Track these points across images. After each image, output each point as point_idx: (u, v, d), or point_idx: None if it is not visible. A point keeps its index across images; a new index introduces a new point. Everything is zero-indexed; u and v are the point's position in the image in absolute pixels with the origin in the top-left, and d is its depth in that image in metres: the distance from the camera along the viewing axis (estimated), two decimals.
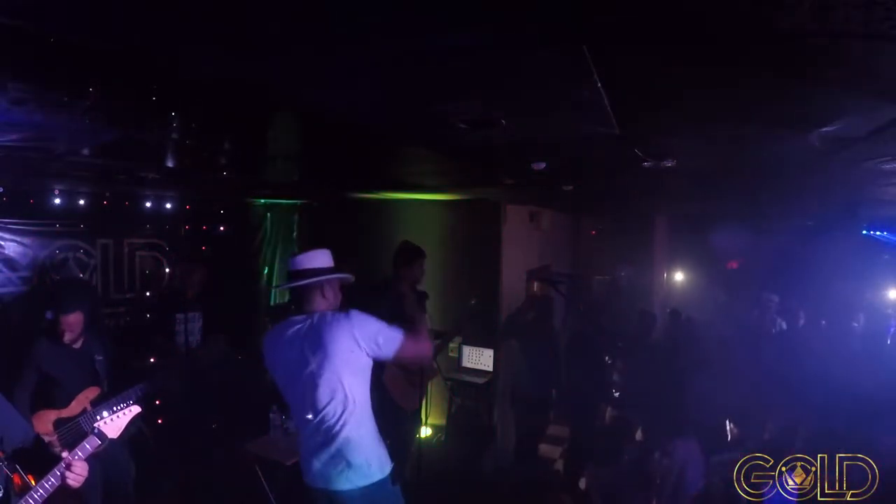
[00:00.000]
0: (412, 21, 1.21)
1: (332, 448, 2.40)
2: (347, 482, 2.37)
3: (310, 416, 2.42)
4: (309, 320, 2.49)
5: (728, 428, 4.58)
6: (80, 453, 2.14)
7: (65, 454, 2.13)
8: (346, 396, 2.39)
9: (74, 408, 3.44)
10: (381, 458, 2.46)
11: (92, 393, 3.49)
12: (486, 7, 1.14)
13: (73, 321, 3.44)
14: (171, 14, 1.19)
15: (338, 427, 2.39)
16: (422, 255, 4.43)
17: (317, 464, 2.43)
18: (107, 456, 2.91)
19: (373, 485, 2.39)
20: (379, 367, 4.33)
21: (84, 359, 3.54)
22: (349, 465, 2.38)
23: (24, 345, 3.54)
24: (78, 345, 3.54)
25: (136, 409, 2.40)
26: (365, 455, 2.40)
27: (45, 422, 3.34)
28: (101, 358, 3.62)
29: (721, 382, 4.92)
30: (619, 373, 5.59)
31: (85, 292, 4.44)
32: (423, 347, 2.65)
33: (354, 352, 2.40)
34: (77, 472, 2.08)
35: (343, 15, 1.19)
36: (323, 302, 2.55)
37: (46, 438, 3.23)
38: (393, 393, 4.15)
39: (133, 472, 3.73)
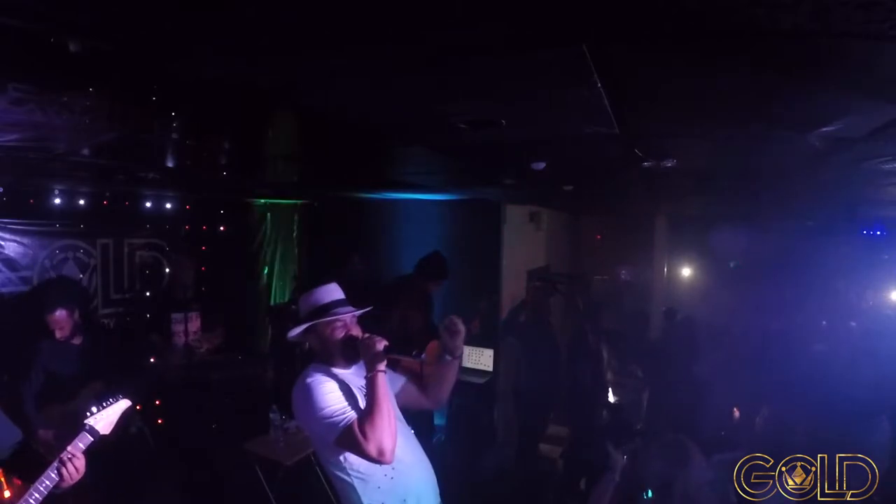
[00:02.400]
0: (412, 21, 1.22)
1: None
2: None
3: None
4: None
5: (735, 415, 4.59)
6: (72, 451, 2.10)
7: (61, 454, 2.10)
8: None
9: (76, 405, 3.50)
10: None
11: (95, 387, 3.55)
12: (485, 7, 1.14)
13: (59, 318, 3.53)
14: (170, 15, 1.19)
15: None
16: (445, 275, 4.57)
17: None
18: None
19: None
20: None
21: (84, 355, 3.60)
22: None
23: (27, 344, 3.59)
24: (76, 341, 3.60)
25: (125, 403, 2.36)
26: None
27: (51, 417, 3.41)
28: (100, 353, 3.67)
29: (720, 381, 4.92)
30: (618, 373, 5.60)
31: (69, 290, 4.47)
32: None
33: None
34: (74, 467, 2.06)
35: (343, 15, 1.19)
36: None
37: (53, 433, 3.30)
38: None
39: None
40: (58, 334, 3.54)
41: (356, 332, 2.38)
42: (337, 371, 2.36)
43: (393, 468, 2.23)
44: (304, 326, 2.35)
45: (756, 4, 1.04)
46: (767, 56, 1.33)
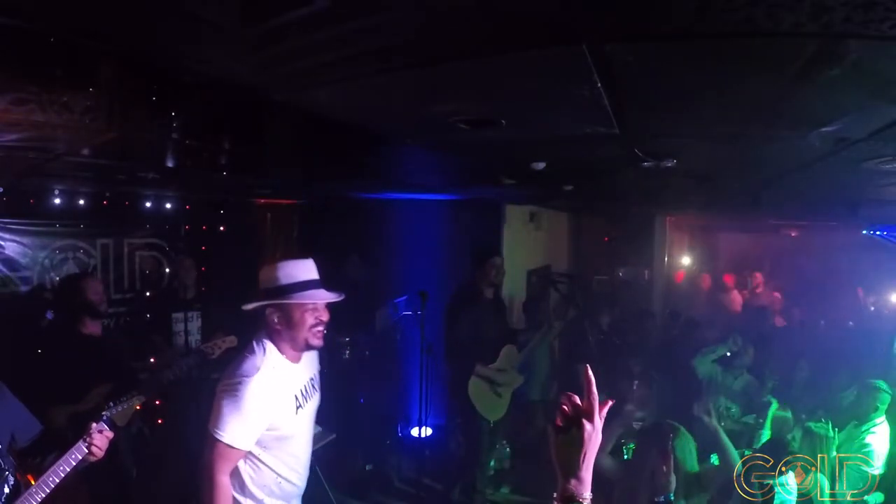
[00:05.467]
0: (411, 20, 1.22)
1: None
2: None
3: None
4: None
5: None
6: (98, 428, 2.17)
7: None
8: None
9: (88, 402, 3.44)
10: None
11: (105, 388, 3.50)
12: (485, 6, 1.14)
13: (95, 285, 3.56)
14: (170, 16, 1.19)
15: None
16: (490, 254, 4.40)
17: None
18: None
19: None
20: (463, 378, 4.17)
21: (102, 350, 3.55)
22: None
23: (26, 343, 3.57)
24: (98, 332, 3.58)
25: (141, 398, 2.43)
26: None
27: (60, 415, 3.35)
28: (118, 349, 3.66)
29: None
30: (618, 373, 5.58)
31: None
32: None
33: None
34: (101, 439, 2.13)
35: (342, 14, 1.19)
36: None
37: (60, 433, 3.28)
38: (477, 403, 4.13)
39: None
40: (96, 299, 3.53)
41: (326, 318, 2.25)
42: (285, 361, 2.25)
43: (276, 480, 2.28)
44: (276, 301, 2.18)
45: (756, 4, 1.04)
46: (767, 56, 1.33)
